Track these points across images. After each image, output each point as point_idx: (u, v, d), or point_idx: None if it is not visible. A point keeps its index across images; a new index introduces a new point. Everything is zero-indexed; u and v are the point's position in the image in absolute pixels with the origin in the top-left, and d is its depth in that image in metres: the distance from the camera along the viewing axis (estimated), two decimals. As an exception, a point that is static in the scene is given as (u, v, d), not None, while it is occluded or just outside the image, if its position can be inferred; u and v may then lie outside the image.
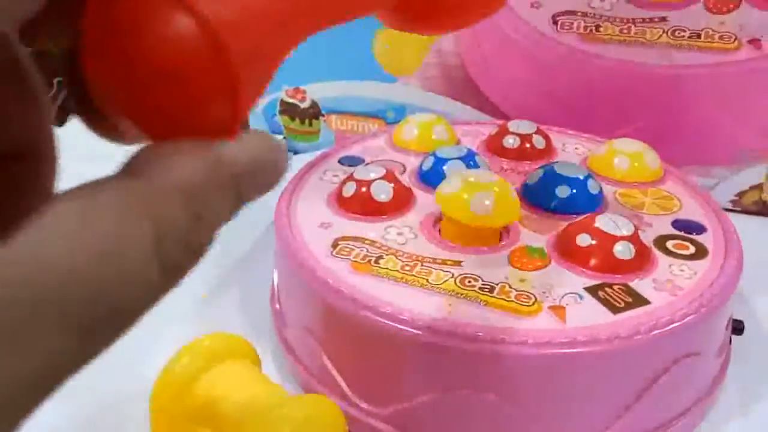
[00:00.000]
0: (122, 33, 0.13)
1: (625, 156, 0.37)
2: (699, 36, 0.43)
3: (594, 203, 0.34)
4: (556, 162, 0.36)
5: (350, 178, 0.35)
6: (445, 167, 0.36)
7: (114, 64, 0.13)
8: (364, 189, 0.34)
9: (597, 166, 0.38)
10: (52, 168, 0.14)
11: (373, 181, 0.34)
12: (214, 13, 0.13)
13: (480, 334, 0.26)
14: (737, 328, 0.33)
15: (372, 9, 0.21)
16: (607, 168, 0.37)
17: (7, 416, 0.10)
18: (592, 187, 0.34)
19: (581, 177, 0.34)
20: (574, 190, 0.34)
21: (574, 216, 0.32)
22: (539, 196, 0.34)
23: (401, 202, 0.34)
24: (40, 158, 0.14)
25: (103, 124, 0.14)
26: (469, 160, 0.36)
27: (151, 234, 0.11)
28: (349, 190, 0.34)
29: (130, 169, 0.12)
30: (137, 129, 0.13)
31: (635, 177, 0.37)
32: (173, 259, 0.12)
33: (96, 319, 0.11)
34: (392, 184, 0.34)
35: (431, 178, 0.36)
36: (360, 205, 0.34)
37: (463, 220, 0.31)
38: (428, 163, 0.37)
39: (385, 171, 0.35)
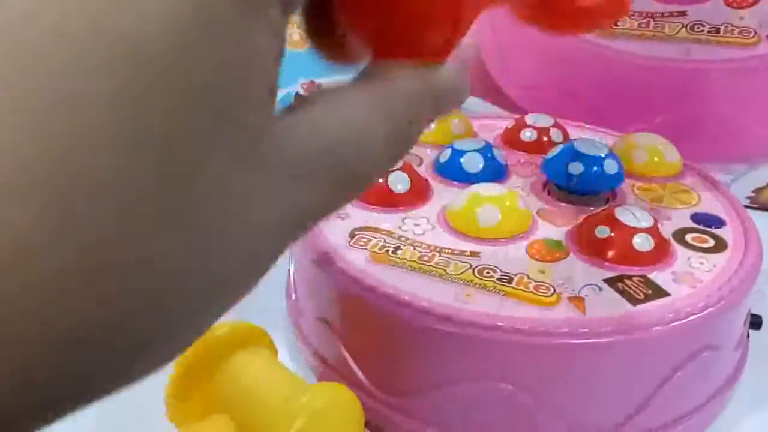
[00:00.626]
0: None
1: (644, 150, 0.37)
2: (718, 31, 0.42)
3: (615, 180, 0.34)
4: (577, 140, 0.36)
5: None
6: (462, 159, 0.36)
7: None
8: (381, 180, 0.34)
9: None
10: None
11: (391, 172, 0.34)
12: None
13: (499, 324, 0.26)
14: (755, 322, 0.33)
15: None
16: (625, 161, 0.37)
17: (286, 240, 0.14)
18: (613, 165, 0.34)
19: (602, 155, 0.34)
20: (595, 168, 0.34)
21: (594, 197, 0.32)
22: (559, 174, 0.34)
23: (418, 193, 0.34)
24: None
25: (337, 52, 0.17)
26: (486, 152, 0.36)
27: (384, 127, 0.15)
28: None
29: (372, 77, 0.16)
30: (374, 51, 0.16)
31: (654, 171, 0.37)
32: (395, 148, 0.16)
33: (346, 180, 0.15)
34: (409, 176, 0.34)
35: (448, 170, 0.36)
36: (377, 196, 0.34)
37: (471, 234, 0.31)
38: (445, 156, 0.37)
39: (402, 162, 0.35)
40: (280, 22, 0.13)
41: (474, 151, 0.36)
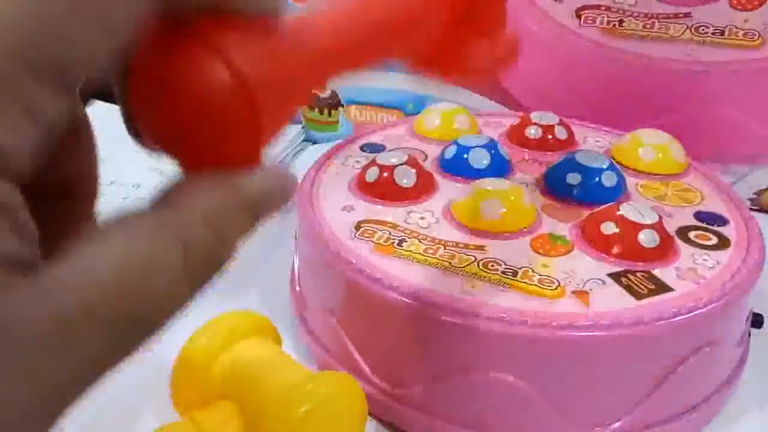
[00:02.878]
0: (163, 79, 0.14)
1: (651, 147, 0.37)
2: (722, 33, 0.43)
3: (614, 193, 0.34)
4: (578, 150, 0.36)
5: (373, 163, 0.35)
6: (467, 155, 0.36)
7: (154, 105, 0.15)
8: (386, 174, 0.34)
9: (620, 156, 0.38)
10: (93, 203, 0.17)
11: (396, 166, 0.34)
12: (248, 66, 0.14)
13: (503, 315, 0.26)
14: (757, 321, 0.33)
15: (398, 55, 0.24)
16: (630, 158, 0.37)
17: (53, 407, 0.12)
18: (613, 177, 0.34)
19: (603, 166, 0.34)
20: (596, 179, 0.34)
21: (595, 204, 0.32)
22: (560, 184, 0.34)
23: (424, 187, 0.35)
24: (86, 195, 0.16)
25: (145, 144, 0.16)
26: (491, 149, 0.36)
27: (181, 254, 0.14)
28: (372, 174, 0.34)
29: (163, 199, 0.14)
30: (170, 158, 0.15)
31: (659, 168, 0.37)
32: (199, 274, 0.14)
33: (132, 327, 0.13)
34: (415, 170, 0.34)
35: (454, 166, 0.36)
36: (383, 189, 0.34)
37: (476, 227, 0.31)
38: (450, 152, 0.37)
39: (407, 157, 0.35)
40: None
41: (479, 147, 0.36)
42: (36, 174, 0.13)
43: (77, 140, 0.16)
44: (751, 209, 0.46)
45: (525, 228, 0.32)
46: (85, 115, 0.16)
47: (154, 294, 0.13)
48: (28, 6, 0.12)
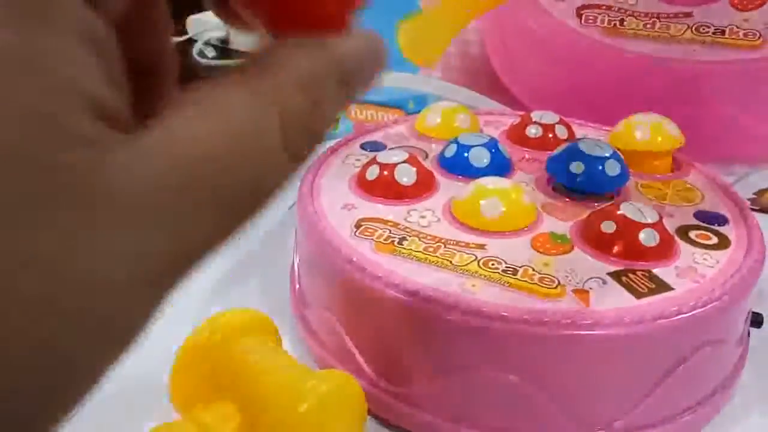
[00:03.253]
0: None
1: (645, 125, 0.37)
2: (723, 33, 0.43)
3: (618, 181, 0.34)
4: (581, 139, 0.36)
5: (373, 161, 0.35)
6: (468, 154, 0.36)
7: None
8: (386, 172, 0.34)
9: (617, 143, 0.38)
10: (173, 82, 0.16)
11: (397, 164, 0.34)
12: None
13: (504, 313, 0.26)
14: (756, 321, 0.33)
15: None
16: (628, 141, 0.37)
17: (161, 281, 0.12)
18: (616, 166, 0.34)
19: (607, 154, 0.34)
20: (600, 167, 0.34)
21: (598, 195, 0.32)
22: (562, 174, 0.34)
23: (424, 186, 0.35)
24: (166, 73, 0.16)
25: (235, 20, 0.15)
26: (491, 147, 0.36)
27: (277, 120, 0.13)
28: (373, 173, 0.34)
29: (253, 66, 0.14)
30: (262, 24, 0.15)
31: (656, 146, 0.37)
32: (297, 143, 0.13)
33: (235, 198, 0.12)
34: (415, 168, 0.34)
35: (454, 164, 0.36)
36: (383, 188, 0.34)
37: (475, 226, 0.31)
38: (451, 150, 0.37)
39: (408, 155, 0.35)
40: (88, 17, 0.11)
41: (479, 146, 0.36)
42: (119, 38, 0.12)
43: (150, 12, 0.15)
44: (751, 209, 0.46)
45: (526, 227, 0.32)
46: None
47: (255, 161, 0.12)
48: None
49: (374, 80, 0.16)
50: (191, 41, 0.78)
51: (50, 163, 0.10)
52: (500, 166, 0.36)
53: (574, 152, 0.34)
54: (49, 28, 0.10)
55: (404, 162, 0.34)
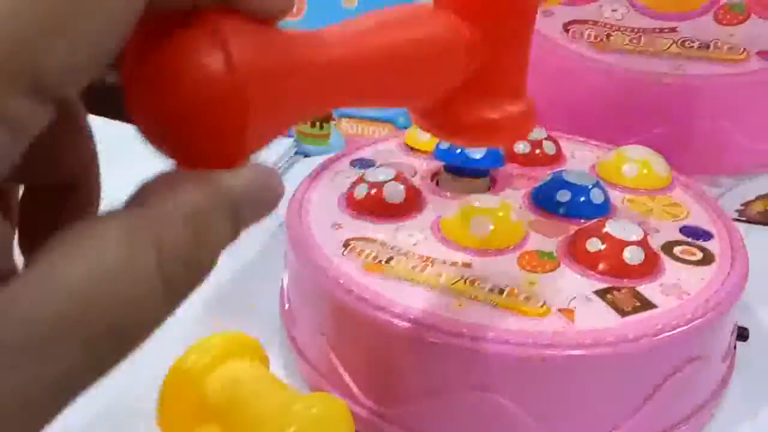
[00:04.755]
0: (155, 62, 0.14)
1: (634, 163, 0.38)
2: (708, 47, 0.43)
3: (601, 210, 0.34)
4: (565, 170, 0.36)
5: (361, 180, 0.35)
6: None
7: (145, 93, 0.14)
8: (374, 191, 0.34)
9: (605, 173, 0.38)
10: (96, 197, 0.16)
11: (385, 183, 0.35)
12: (245, 58, 0.14)
13: (490, 334, 0.26)
14: (742, 334, 0.33)
15: (401, 104, 0.24)
16: (615, 174, 0.38)
17: (33, 420, 0.12)
18: (599, 195, 0.35)
19: (589, 185, 0.35)
20: (582, 198, 0.34)
21: (582, 221, 0.33)
22: (548, 202, 0.35)
23: (412, 204, 0.35)
24: (87, 189, 0.16)
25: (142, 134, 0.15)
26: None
27: (154, 256, 0.13)
28: (361, 192, 0.35)
29: (137, 198, 0.14)
30: (158, 148, 0.15)
31: (644, 184, 0.37)
32: (175, 280, 0.13)
33: (106, 338, 0.12)
34: (403, 186, 0.35)
35: (449, 156, 0.37)
36: (371, 207, 0.34)
37: (464, 243, 0.32)
38: (445, 143, 0.37)
39: (395, 173, 0.35)
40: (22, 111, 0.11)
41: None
42: (31, 171, 0.12)
43: (70, 138, 0.15)
44: (739, 220, 0.46)
45: (513, 244, 0.32)
46: (81, 111, 0.16)
47: (129, 302, 0.12)
48: (4, 9, 0.11)
49: (267, 213, 0.15)
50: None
51: None
52: (495, 159, 0.37)
53: (558, 182, 0.35)
54: None
55: (392, 180, 0.35)
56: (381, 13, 0.21)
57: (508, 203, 0.33)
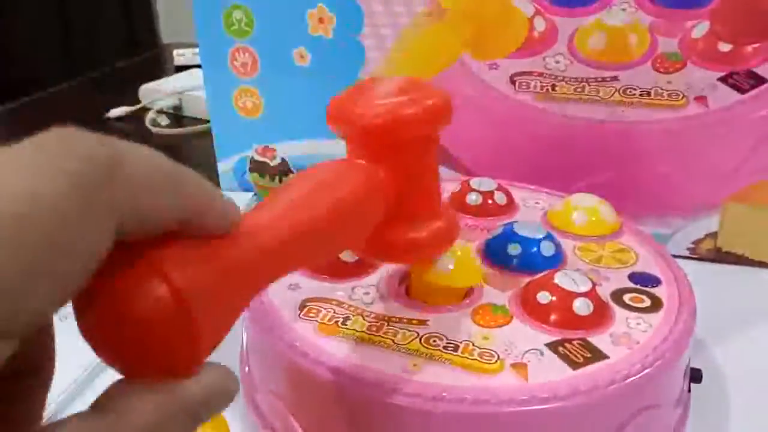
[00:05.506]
0: (106, 292, 0.15)
1: (582, 211, 0.39)
2: (649, 94, 0.45)
3: (551, 262, 0.35)
4: (516, 221, 0.37)
5: None
6: None
7: (96, 321, 0.15)
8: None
9: (556, 221, 0.39)
10: (48, 383, 0.17)
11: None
12: (187, 283, 0.15)
13: (444, 394, 0.27)
14: (695, 376, 0.34)
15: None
16: (565, 223, 0.39)
17: None
18: (549, 247, 0.35)
19: (539, 237, 0.35)
20: (533, 250, 0.35)
21: (534, 273, 0.33)
22: (499, 255, 0.35)
23: (368, 262, 0.35)
24: (44, 375, 0.17)
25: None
26: None
27: None
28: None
29: (98, 406, 0.14)
30: (115, 368, 0.16)
31: (593, 231, 0.38)
32: None
33: None
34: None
35: None
36: (328, 266, 0.35)
37: (429, 279, 0.32)
38: None
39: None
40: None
41: None
42: None
43: (37, 341, 0.16)
44: (690, 258, 0.48)
45: (470, 287, 0.32)
46: (46, 329, 0.16)
47: None
48: None
49: (223, 410, 0.17)
50: (144, 110, 0.79)
51: None
52: None
53: (508, 235, 0.36)
54: None
55: None
56: (305, 178, 0.24)
57: (467, 247, 0.33)
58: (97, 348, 0.16)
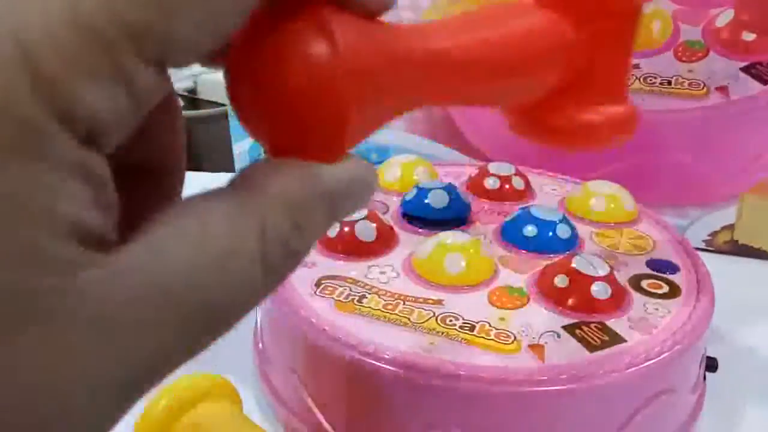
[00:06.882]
0: (263, 43, 0.14)
1: (601, 197, 0.39)
2: (670, 83, 0.44)
3: (568, 245, 0.35)
4: (533, 205, 0.37)
5: None
6: (428, 196, 0.37)
7: (250, 79, 0.14)
8: (347, 229, 0.35)
9: (574, 207, 0.39)
10: (180, 181, 0.16)
11: (357, 221, 0.35)
12: (351, 49, 0.14)
13: (461, 372, 0.27)
14: (711, 365, 0.34)
15: (500, 103, 0.24)
16: (583, 209, 0.39)
17: (123, 393, 0.12)
18: (565, 230, 0.35)
19: (555, 220, 0.35)
20: (549, 233, 0.35)
21: (551, 255, 0.33)
22: (516, 237, 0.35)
23: (384, 242, 0.35)
24: (173, 172, 0.16)
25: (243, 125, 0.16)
26: (451, 191, 0.37)
27: (257, 237, 0.13)
28: (333, 230, 0.35)
29: (241, 181, 0.14)
30: (260, 140, 0.15)
31: (611, 217, 0.38)
32: (275, 262, 0.13)
33: (206, 315, 0.12)
34: (375, 225, 0.35)
35: (414, 207, 0.37)
36: (344, 245, 0.35)
37: (435, 281, 0.32)
38: (411, 193, 0.38)
39: (367, 211, 0.36)
40: (83, 156, 0.11)
41: (439, 189, 0.37)
42: (126, 149, 0.12)
43: (165, 117, 0.16)
44: (706, 250, 0.47)
45: (483, 280, 0.32)
46: (173, 93, 0.16)
47: (229, 281, 0.12)
48: None
49: (362, 205, 0.16)
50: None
51: (18, 287, 0.11)
52: (459, 210, 0.38)
53: (525, 217, 0.36)
54: (34, 165, 0.11)
55: (364, 218, 0.35)
56: (484, 9, 0.21)
57: (477, 240, 0.34)
58: (244, 115, 0.15)
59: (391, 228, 0.36)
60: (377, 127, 0.16)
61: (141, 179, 0.15)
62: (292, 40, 0.14)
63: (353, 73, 0.14)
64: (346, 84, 0.14)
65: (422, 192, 0.38)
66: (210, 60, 0.15)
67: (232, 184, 0.14)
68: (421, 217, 0.37)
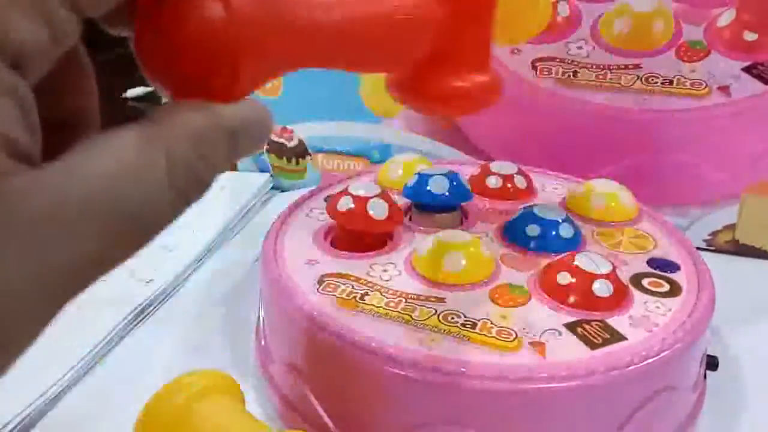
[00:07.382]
0: (162, 14, 0.16)
1: (602, 196, 0.39)
2: (671, 82, 0.45)
3: (570, 244, 0.35)
4: (535, 204, 0.37)
5: (345, 192, 0.35)
6: (429, 181, 0.37)
7: (153, 32, 0.17)
8: (358, 205, 0.34)
9: (575, 206, 0.39)
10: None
11: (369, 198, 0.35)
12: (243, 10, 0.17)
13: (463, 369, 0.27)
14: (712, 363, 0.34)
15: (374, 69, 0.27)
16: (584, 207, 0.39)
17: (51, 297, 0.13)
18: (568, 229, 0.35)
19: (558, 220, 0.35)
20: (552, 232, 0.35)
21: (553, 255, 0.33)
22: (518, 236, 0.35)
23: (386, 238, 0.35)
24: (87, 127, 0.18)
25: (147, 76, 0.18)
26: (452, 177, 0.38)
27: (164, 162, 0.15)
28: (344, 204, 0.35)
29: (149, 117, 0.16)
30: (162, 87, 0.17)
31: (612, 216, 0.38)
32: (181, 185, 0.15)
33: (120, 230, 0.14)
34: (387, 204, 0.35)
35: (416, 193, 0.38)
36: (346, 242, 0.35)
37: (436, 279, 0.32)
38: (413, 180, 0.38)
39: (380, 189, 0.35)
40: (13, 80, 0.13)
41: (440, 174, 0.38)
42: (46, 107, 0.14)
43: (79, 76, 0.17)
44: (707, 250, 0.48)
45: (485, 279, 0.32)
46: (86, 55, 0.17)
47: (142, 198, 0.14)
48: None
49: (260, 143, 0.18)
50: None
51: None
52: (461, 194, 0.38)
53: (528, 217, 0.36)
54: None
55: (377, 196, 0.35)
56: None
57: (478, 238, 0.34)
58: (150, 66, 0.17)
59: (399, 208, 0.36)
60: (272, 77, 0.19)
61: (60, 136, 0.17)
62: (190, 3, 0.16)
63: (243, 29, 0.17)
64: (238, 38, 0.16)
65: (423, 177, 0.38)
66: (119, 19, 0.17)
67: (143, 119, 0.16)
68: (422, 202, 0.38)
